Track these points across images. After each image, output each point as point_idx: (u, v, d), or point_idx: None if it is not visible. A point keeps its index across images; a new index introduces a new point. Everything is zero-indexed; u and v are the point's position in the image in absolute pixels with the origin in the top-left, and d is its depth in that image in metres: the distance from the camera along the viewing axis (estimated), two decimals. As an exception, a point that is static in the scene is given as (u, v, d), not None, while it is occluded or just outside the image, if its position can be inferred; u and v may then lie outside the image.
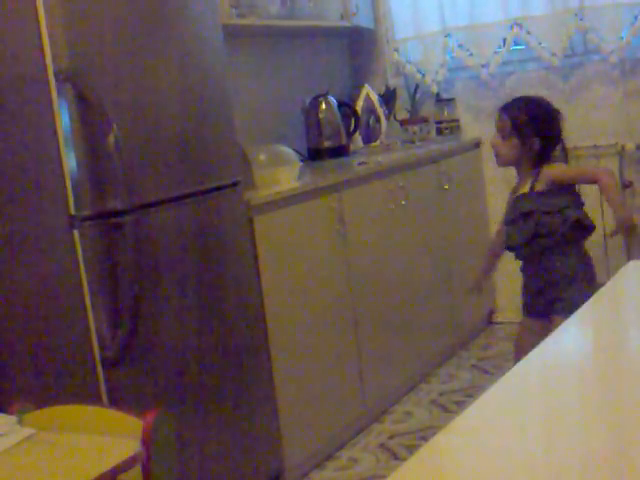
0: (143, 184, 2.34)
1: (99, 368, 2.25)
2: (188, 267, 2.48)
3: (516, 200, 2.93)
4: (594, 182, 2.92)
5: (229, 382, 2.61)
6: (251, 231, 2.72)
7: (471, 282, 3.26)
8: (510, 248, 2.97)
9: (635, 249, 2.98)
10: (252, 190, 2.92)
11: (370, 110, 4.20)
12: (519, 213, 2.88)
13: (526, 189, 2.90)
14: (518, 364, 1.34)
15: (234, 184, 2.68)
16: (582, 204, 2.91)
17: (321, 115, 3.87)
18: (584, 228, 2.89)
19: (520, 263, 2.99)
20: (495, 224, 3.55)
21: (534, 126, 2.89)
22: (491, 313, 4.35)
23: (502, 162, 2.99)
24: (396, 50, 4.41)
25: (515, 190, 2.98)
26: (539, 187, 2.87)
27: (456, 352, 3.99)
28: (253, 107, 3.68)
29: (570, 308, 2.82)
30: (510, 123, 2.89)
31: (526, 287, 2.97)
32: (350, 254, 3.22)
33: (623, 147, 4.03)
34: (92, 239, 2.24)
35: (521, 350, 2.98)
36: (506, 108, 2.93)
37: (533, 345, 3.13)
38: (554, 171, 2.94)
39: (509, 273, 3.69)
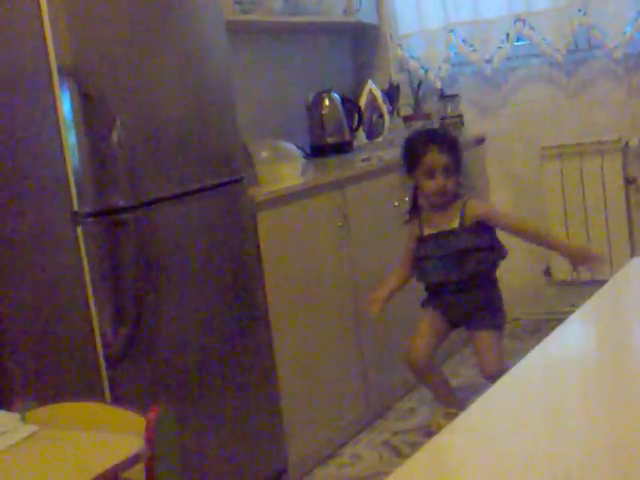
0: (146, 181, 2.34)
1: (102, 365, 2.25)
2: (191, 263, 2.48)
3: (442, 236, 2.92)
4: (520, 231, 2.98)
5: (232, 378, 2.62)
6: (254, 227, 2.72)
7: (374, 300, 3.05)
8: (437, 284, 2.97)
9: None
10: (255, 186, 2.92)
11: (373, 106, 4.18)
12: (455, 250, 2.89)
13: (454, 225, 2.91)
14: (520, 362, 1.34)
15: (237, 180, 2.68)
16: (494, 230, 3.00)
17: (324, 111, 3.86)
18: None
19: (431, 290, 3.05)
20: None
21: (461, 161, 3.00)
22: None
23: (447, 200, 2.94)
24: (399, 46, 4.40)
25: (427, 224, 2.97)
26: (468, 223, 2.91)
27: (459, 349, 3.98)
28: (256, 103, 3.67)
29: (495, 325, 2.98)
30: (454, 159, 2.93)
31: (444, 305, 3.01)
32: (353, 250, 3.22)
33: (627, 143, 4.02)
34: (95, 236, 2.24)
35: (417, 339, 3.03)
36: (444, 145, 2.93)
37: (430, 341, 3.14)
38: (484, 209, 3.00)
39: (509, 273, 3.70)
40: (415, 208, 3.06)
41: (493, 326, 2.98)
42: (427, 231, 2.97)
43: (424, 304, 3.09)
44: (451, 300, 2.98)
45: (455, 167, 2.93)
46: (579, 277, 4.03)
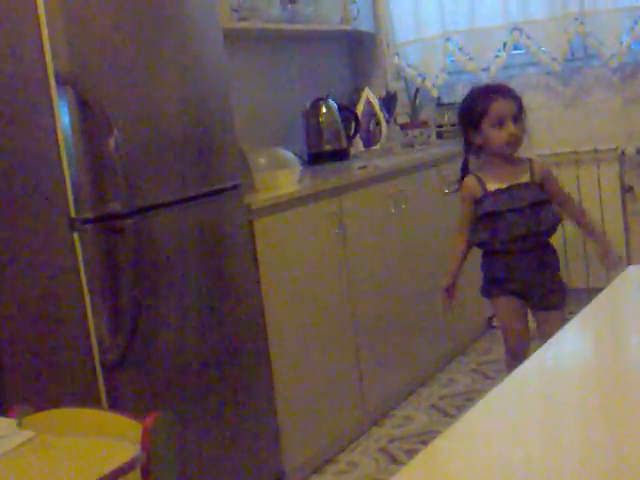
0: (143, 187, 2.34)
1: (99, 371, 2.25)
2: (188, 270, 2.48)
3: (515, 188, 2.84)
4: (565, 203, 2.93)
5: (229, 386, 2.61)
6: (251, 234, 2.72)
7: (445, 293, 3.00)
8: (510, 240, 2.83)
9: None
10: (252, 193, 2.92)
11: (370, 114, 4.20)
12: (532, 202, 2.82)
13: (525, 179, 2.86)
14: (518, 369, 1.34)
15: (234, 187, 2.68)
16: None
17: (321, 119, 3.87)
18: None
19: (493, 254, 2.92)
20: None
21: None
22: (491, 317, 4.34)
23: (516, 149, 2.89)
24: (396, 54, 4.41)
25: (492, 181, 2.87)
26: (537, 180, 2.87)
27: (456, 356, 3.99)
28: (253, 110, 3.68)
29: (563, 301, 2.90)
30: (519, 107, 2.87)
31: (510, 275, 2.88)
32: (350, 258, 3.22)
33: (623, 151, 4.03)
34: (92, 242, 2.24)
35: (516, 331, 2.94)
36: (509, 93, 2.88)
37: (525, 325, 3.06)
38: (548, 169, 2.97)
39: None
40: (467, 170, 2.97)
41: (561, 304, 2.91)
42: (492, 187, 2.86)
43: (488, 293, 2.96)
44: (522, 263, 2.86)
45: (521, 115, 2.87)
46: (575, 285, 4.03)
